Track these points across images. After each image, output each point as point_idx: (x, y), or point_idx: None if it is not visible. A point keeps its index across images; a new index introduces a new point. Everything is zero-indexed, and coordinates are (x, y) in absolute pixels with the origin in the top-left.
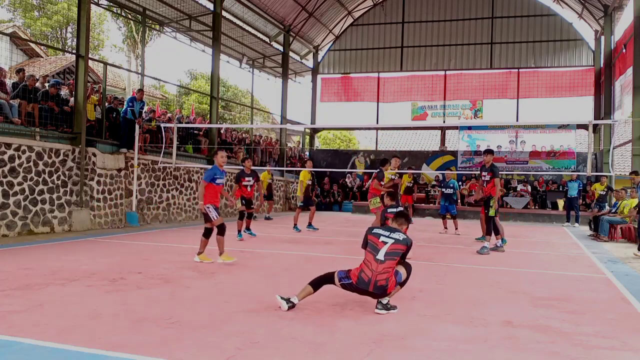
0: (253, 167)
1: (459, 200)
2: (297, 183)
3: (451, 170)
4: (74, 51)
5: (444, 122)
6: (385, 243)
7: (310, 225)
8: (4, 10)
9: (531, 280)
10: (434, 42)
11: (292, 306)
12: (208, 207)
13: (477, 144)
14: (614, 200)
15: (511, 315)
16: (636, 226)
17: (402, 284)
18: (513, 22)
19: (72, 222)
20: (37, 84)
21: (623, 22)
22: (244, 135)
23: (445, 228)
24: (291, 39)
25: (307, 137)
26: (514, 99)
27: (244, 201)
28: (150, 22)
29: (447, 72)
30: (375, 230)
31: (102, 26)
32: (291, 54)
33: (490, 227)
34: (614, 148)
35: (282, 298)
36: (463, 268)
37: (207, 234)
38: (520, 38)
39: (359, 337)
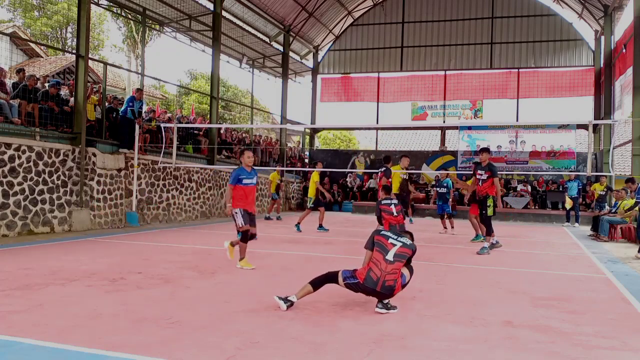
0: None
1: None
2: (297, 183)
3: (447, 170)
4: (74, 51)
5: (444, 122)
6: (394, 245)
7: (321, 227)
8: (4, 10)
9: (531, 280)
10: (434, 42)
11: (290, 304)
12: (235, 212)
13: (477, 144)
14: (613, 200)
15: (511, 315)
16: (636, 226)
17: (404, 285)
18: (513, 22)
19: (72, 222)
20: (37, 84)
21: (623, 22)
22: (243, 135)
23: (445, 228)
24: (291, 39)
25: (307, 137)
26: (514, 99)
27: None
28: (150, 22)
29: (447, 72)
30: (383, 232)
31: (102, 26)
32: (291, 54)
33: (491, 227)
34: (614, 148)
35: (279, 298)
36: (463, 268)
37: (244, 238)
38: (520, 38)
39: (359, 337)
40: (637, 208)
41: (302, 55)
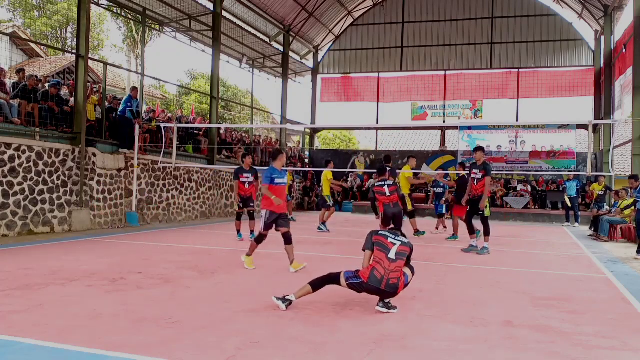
0: (257, 167)
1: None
2: (297, 183)
3: (447, 170)
4: (74, 51)
5: (444, 122)
6: (394, 244)
7: (323, 224)
8: (4, 10)
9: (531, 280)
10: (434, 42)
11: (289, 303)
12: (263, 214)
13: (477, 144)
14: (613, 200)
15: (511, 315)
16: (635, 226)
17: (406, 285)
18: (513, 22)
19: (72, 222)
20: (39, 86)
21: (623, 22)
22: (243, 135)
23: (445, 227)
24: (291, 39)
25: (307, 137)
26: (514, 99)
27: (240, 204)
28: (150, 22)
29: (447, 72)
30: (381, 232)
31: (102, 26)
32: (291, 54)
33: (489, 227)
34: (614, 148)
35: (277, 299)
36: (463, 268)
37: (258, 239)
38: (520, 38)
39: (359, 337)
40: (632, 208)
41: (302, 55)
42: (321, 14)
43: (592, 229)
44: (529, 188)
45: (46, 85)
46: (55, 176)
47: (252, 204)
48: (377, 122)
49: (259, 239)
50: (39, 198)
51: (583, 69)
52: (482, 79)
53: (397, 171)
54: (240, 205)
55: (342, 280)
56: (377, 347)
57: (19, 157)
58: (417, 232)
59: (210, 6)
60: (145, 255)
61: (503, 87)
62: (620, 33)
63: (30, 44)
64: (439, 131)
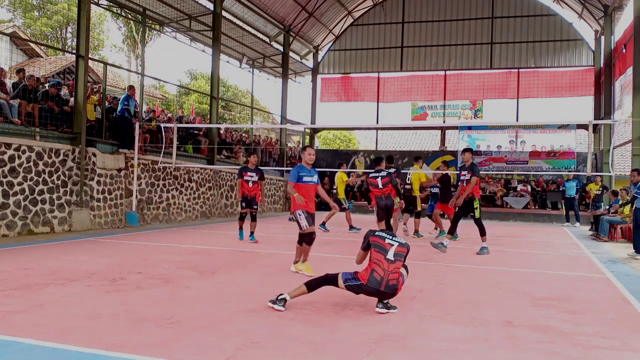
0: (261, 167)
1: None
2: None
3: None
4: (74, 51)
5: (444, 122)
6: (392, 245)
7: (323, 224)
8: (4, 10)
9: (531, 280)
10: (434, 42)
11: (284, 302)
12: (298, 214)
13: (477, 144)
14: (610, 200)
15: (511, 315)
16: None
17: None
18: (513, 22)
19: (72, 222)
20: (39, 87)
21: (623, 22)
22: (242, 135)
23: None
24: (291, 39)
25: (307, 137)
26: (514, 99)
27: (244, 203)
28: (150, 22)
29: (447, 72)
30: (378, 233)
31: (102, 26)
32: (291, 54)
33: (483, 227)
34: (614, 148)
35: (272, 302)
36: (463, 268)
37: (309, 240)
38: (520, 38)
39: (359, 337)
40: (629, 206)
41: (302, 55)
42: (321, 14)
43: (593, 229)
44: (529, 188)
45: (46, 85)
46: (55, 176)
47: (255, 206)
48: (377, 122)
49: (309, 240)
50: (39, 198)
51: (583, 69)
52: (482, 79)
53: (406, 171)
54: (244, 204)
55: (340, 281)
56: (377, 347)
57: (19, 157)
58: (416, 233)
59: (210, 6)
60: (145, 255)
61: (503, 87)
62: (620, 33)
63: (30, 44)
64: (439, 131)
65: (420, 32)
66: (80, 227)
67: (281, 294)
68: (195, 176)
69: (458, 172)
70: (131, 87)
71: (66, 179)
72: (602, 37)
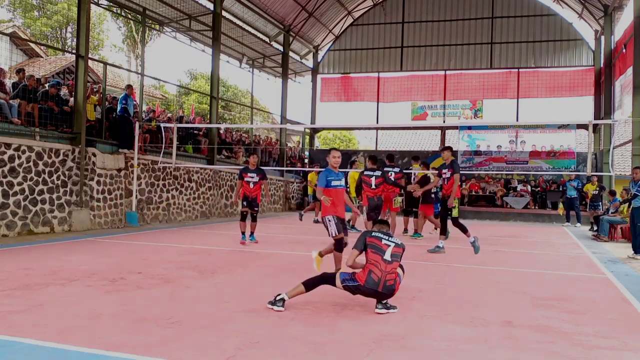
0: (264, 168)
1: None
2: (297, 183)
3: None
4: (74, 51)
5: (444, 122)
6: (389, 245)
7: (353, 227)
8: (4, 10)
9: (531, 280)
10: (434, 42)
11: (283, 302)
12: (328, 219)
13: (477, 144)
14: (608, 199)
15: (511, 315)
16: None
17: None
18: (513, 22)
19: (72, 222)
20: (39, 88)
21: (623, 22)
22: (242, 135)
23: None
24: (291, 39)
25: (307, 137)
26: (514, 99)
27: (245, 202)
28: (150, 22)
29: (447, 72)
30: (374, 234)
31: (102, 26)
32: (291, 54)
33: (463, 226)
34: (614, 148)
35: (271, 303)
36: (463, 268)
37: (339, 247)
38: (520, 38)
39: (359, 337)
40: (627, 205)
41: (302, 55)
42: (321, 14)
43: (594, 229)
44: (529, 188)
45: (46, 85)
46: (55, 176)
47: (256, 208)
48: (377, 122)
49: (340, 246)
50: (38, 198)
51: (583, 69)
52: (482, 79)
53: (409, 171)
54: (244, 204)
55: (338, 281)
56: (377, 347)
57: (19, 157)
58: (416, 233)
59: (210, 6)
60: (145, 255)
61: (503, 87)
62: (620, 33)
63: (30, 44)
64: (439, 131)
65: (420, 32)
66: (80, 227)
67: (279, 294)
68: (195, 176)
69: (438, 170)
70: (129, 87)
71: (66, 179)
72: (602, 37)
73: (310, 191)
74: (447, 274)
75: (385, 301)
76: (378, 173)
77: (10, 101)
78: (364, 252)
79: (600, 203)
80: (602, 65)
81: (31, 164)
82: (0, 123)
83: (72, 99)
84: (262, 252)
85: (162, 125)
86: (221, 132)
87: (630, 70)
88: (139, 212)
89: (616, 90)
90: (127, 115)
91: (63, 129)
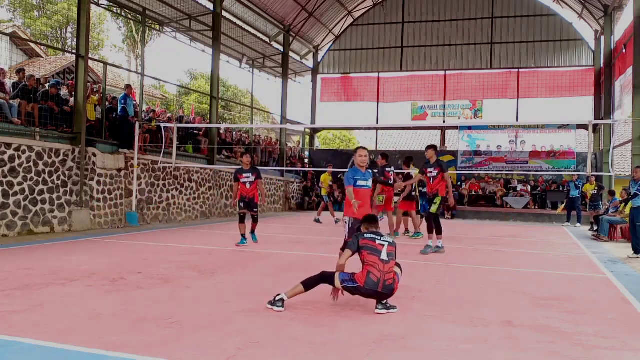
0: (261, 167)
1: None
2: (297, 183)
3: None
4: (74, 51)
5: (444, 122)
6: (383, 245)
7: (415, 233)
8: (4, 10)
9: (531, 280)
10: (434, 42)
11: (282, 302)
12: (345, 221)
13: (477, 144)
14: (608, 199)
15: (511, 315)
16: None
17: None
18: (513, 22)
19: (72, 222)
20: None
21: (623, 22)
22: (242, 135)
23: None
24: (291, 39)
25: (307, 137)
26: (514, 99)
27: (242, 204)
28: (150, 22)
29: (447, 72)
30: (367, 235)
31: (102, 26)
32: (291, 54)
33: (432, 225)
34: (614, 148)
35: (270, 303)
36: (463, 268)
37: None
38: (520, 38)
39: (359, 337)
40: (624, 204)
41: (302, 55)
42: (321, 14)
43: (594, 229)
44: (529, 188)
45: (46, 85)
46: (55, 176)
47: (255, 209)
48: (377, 122)
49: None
50: (39, 198)
51: (583, 69)
52: (482, 79)
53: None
54: (242, 205)
55: (337, 282)
56: (377, 347)
57: (19, 157)
58: (416, 233)
59: (210, 6)
60: (145, 255)
61: (503, 87)
62: (620, 33)
63: (30, 44)
64: (439, 131)
65: (420, 32)
66: (80, 227)
67: (278, 295)
68: (195, 176)
69: (421, 169)
70: (128, 86)
71: (66, 179)
72: (602, 37)
73: (324, 192)
74: (447, 274)
75: (385, 301)
76: (369, 171)
77: (11, 101)
78: (358, 254)
79: (600, 203)
80: (602, 65)
81: (31, 164)
82: (1, 123)
83: (72, 99)
84: (262, 252)
85: (162, 125)
86: (221, 132)
87: (630, 70)
88: (139, 212)
89: (616, 90)
90: (126, 115)
91: (63, 129)
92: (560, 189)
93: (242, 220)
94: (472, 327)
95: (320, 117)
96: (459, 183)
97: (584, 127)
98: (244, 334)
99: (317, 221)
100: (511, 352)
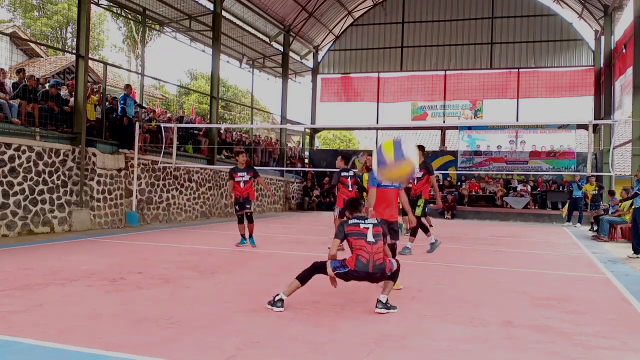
0: (261, 167)
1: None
2: (297, 183)
3: (447, 170)
4: (74, 51)
5: (444, 122)
6: (367, 227)
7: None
8: (4, 10)
9: (531, 280)
10: (434, 42)
11: (281, 302)
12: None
13: (477, 144)
14: (608, 199)
15: (511, 315)
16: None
17: (394, 277)
18: (513, 22)
19: (72, 222)
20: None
21: (623, 22)
22: (242, 135)
23: (431, 225)
24: (291, 39)
25: (307, 137)
26: (514, 99)
27: (237, 206)
28: (150, 22)
29: (447, 72)
30: (351, 222)
31: (102, 26)
32: (291, 54)
33: (425, 226)
34: (614, 148)
35: (270, 304)
36: (463, 268)
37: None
38: (520, 38)
39: (359, 337)
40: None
41: (302, 55)
42: (321, 14)
43: (594, 229)
44: (529, 188)
45: (46, 85)
46: (55, 176)
47: (248, 206)
48: (377, 122)
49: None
50: (39, 198)
51: (583, 69)
52: (482, 79)
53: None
54: (237, 207)
55: (329, 269)
56: (377, 347)
57: (19, 157)
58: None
59: (210, 6)
60: (145, 255)
61: (503, 87)
62: (620, 33)
63: (30, 44)
64: (439, 131)
65: (420, 32)
66: (80, 227)
67: (277, 295)
68: (195, 176)
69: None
70: (128, 86)
71: (66, 179)
72: (602, 37)
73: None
74: (447, 274)
75: (386, 301)
76: (351, 173)
77: (11, 101)
78: (347, 242)
79: (601, 203)
80: (602, 65)
81: (31, 164)
82: (1, 123)
83: (72, 99)
84: (262, 252)
85: (162, 125)
86: (221, 132)
87: (630, 70)
88: (139, 212)
89: (616, 90)
90: (126, 115)
91: (63, 129)
92: (560, 189)
93: (240, 221)
94: (472, 327)
95: (320, 117)
96: (459, 183)
97: (584, 127)
98: (244, 334)
99: None
100: (511, 352)
